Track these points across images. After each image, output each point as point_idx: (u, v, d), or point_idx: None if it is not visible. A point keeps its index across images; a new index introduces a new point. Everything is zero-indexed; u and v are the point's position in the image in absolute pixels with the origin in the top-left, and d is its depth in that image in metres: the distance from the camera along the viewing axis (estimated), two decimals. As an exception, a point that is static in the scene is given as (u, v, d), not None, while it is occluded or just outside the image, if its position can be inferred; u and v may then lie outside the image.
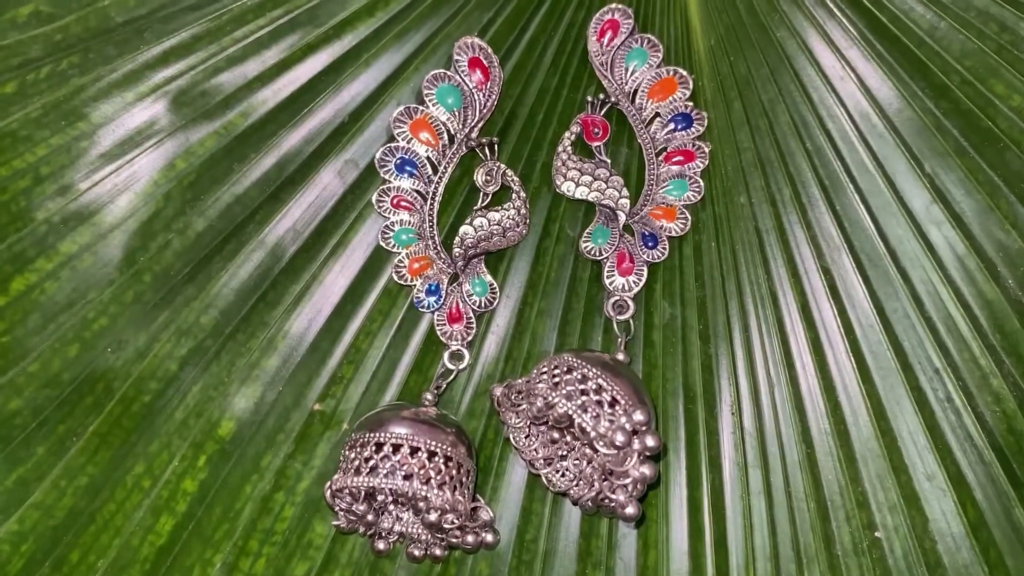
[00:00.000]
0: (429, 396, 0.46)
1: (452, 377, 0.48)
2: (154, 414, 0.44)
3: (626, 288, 0.49)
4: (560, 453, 0.44)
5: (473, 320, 0.48)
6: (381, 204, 0.47)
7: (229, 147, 0.44)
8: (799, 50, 0.48)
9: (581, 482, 0.44)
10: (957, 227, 0.46)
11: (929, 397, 0.46)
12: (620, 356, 0.46)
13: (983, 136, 0.45)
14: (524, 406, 0.41)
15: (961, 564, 0.44)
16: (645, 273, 0.49)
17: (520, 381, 0.41)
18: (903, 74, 0.46)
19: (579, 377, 0.40)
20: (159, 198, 0.44)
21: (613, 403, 0.40)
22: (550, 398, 0.39)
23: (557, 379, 0.40)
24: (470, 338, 0.48)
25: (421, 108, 0.47)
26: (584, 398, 0.39)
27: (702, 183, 0.49)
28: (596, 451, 0.39)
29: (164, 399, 0.44)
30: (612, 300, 0.48)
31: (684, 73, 0.49)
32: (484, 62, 0.47)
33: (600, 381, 0.40)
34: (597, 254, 0.49)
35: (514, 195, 0.48)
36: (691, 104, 0.49)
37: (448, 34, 0.47)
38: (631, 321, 0.49)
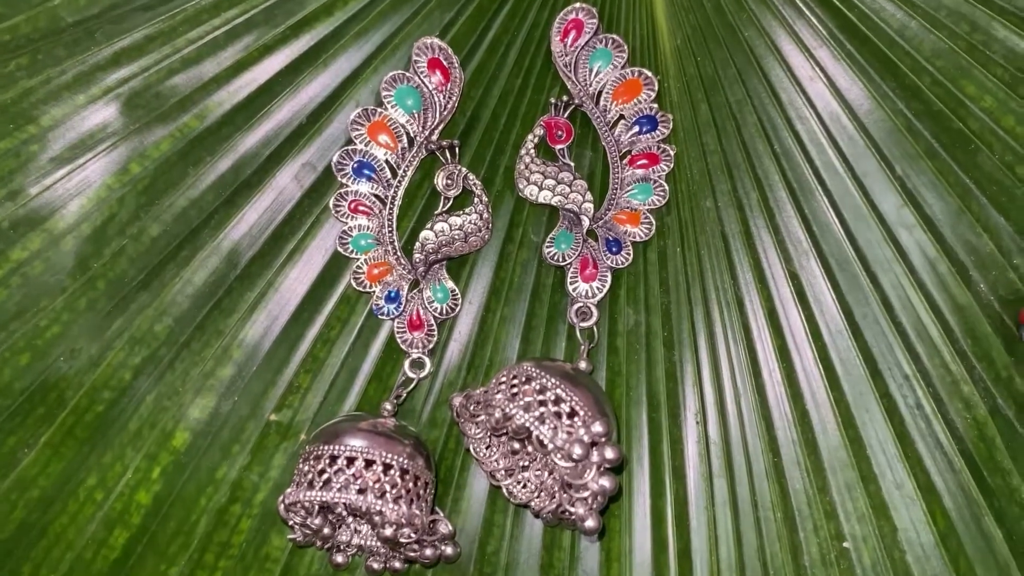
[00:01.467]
0: (388, 406, 0.47)
1: (413, 386, 0.49)
2: (107, 424, 0.45)
3: (590, 294, 0.50)
4: (521, 464, 0.46)
5: (434, 327, 0.49)
6: (339, 209, 0.48)
7: (184, 150, 0.46)
8: (768, 50, 0.50)
9: (542, 494, 0.45)
10: (928, 230, 0.47)
11: (899, 404, 0.47)
12: (582, 364, 0.47)
13: (954, 138, 0.46)
14: (482, 417, 0.42)
15: (931, 573, 0.46)
16: (609, 279, 0.50)
17: (478, 392, 0.42)
18: (873, 74, 0.48)
19: (538, 388, 0.41)
20: (112, 203, 0.45)
21: (572, 414, 0.41)
22: (508, 409, 0.40)
23: (516, 390, 0.41)
24: (431, 346, 0.49)
25: (379, 110, 0.48)
26: (542, 409, 0.40)
27: (667, 187, 0.51)
28: (555, 463, 0.40)
29: (118, 409, 0.45)
30: (575, 307, 0.49)
31: (649, 74, 0.50)
32: (444, 63, 0.48)
33: (559, 391, 0.41)
34: (560, 260, 0.50)
35: (476, 199, 0.49)
36: (656, 106, 0.50)
37: (408, 34, 0.48)
38: (595, 328, 0.50)
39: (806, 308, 0.49)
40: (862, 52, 0.48)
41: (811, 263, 0.49)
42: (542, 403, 0.40)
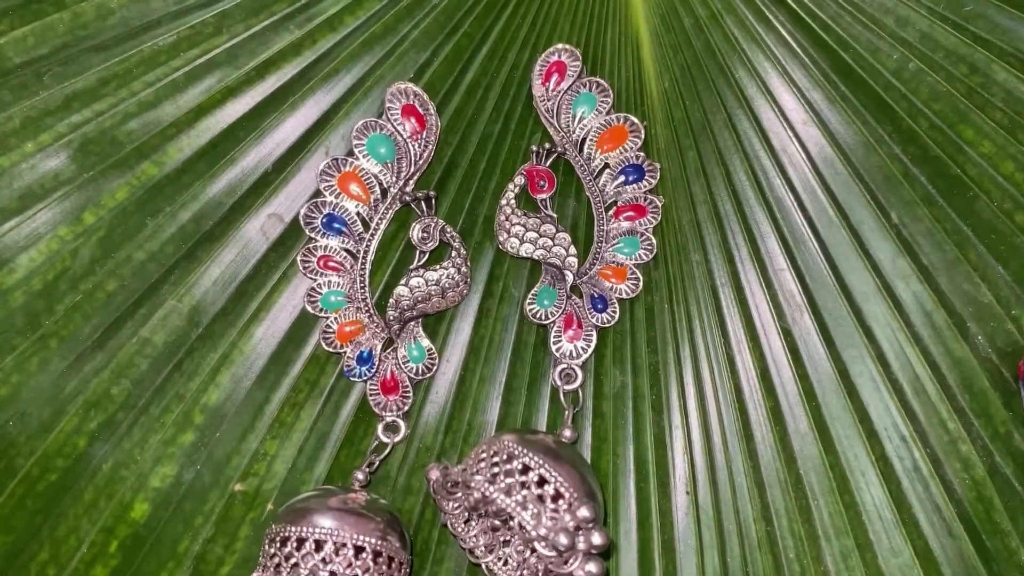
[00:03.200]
0: (360, 476, 0.48)
1: (387, 452, 0.49)
2: (61, 494, 0.45)
3: (574, 355, 0.50)
4: (502, 539, 0.46)
5: (410, 388, 0.49)
6: (307, 264, 0.48)
7: (142, 199, 0.46)
8: (759, 92, 0.51)
9: (525, 572, 0.45)
10: (924, 281, 0.48)
11: (896, 467, 0.48)
12: (567, 433, 0.48)
13: (952, 184, 0.48)
14: (460, 494, 0.42)
15: (930, 644, 0.46)
16: (594, 338, 0.50)
17: (456, 469, 0.43)
18: (869, 118, 0.49)
19: (520, 467, 0.42)
20: (65, 255, 0.46)
21: (557, 497, 0.41)
22: (487, 492, 0.41)
23: (496, 469, 0.42)
24: (406, 408, 0.49)
25: (350, 160, 0.48)
26: (525, 492, 0.41)
27: (654, 240, 0.51)
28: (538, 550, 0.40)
29: (72, 478, 0.46)
30: (559, 368, 0.50)
31: (635, 120, 0.51)
32: (419, 109, 0.49)
33: (543, 471, 0.42)
34: (543, 317, 0.50)
35: (453, 252, 0.49)
36: (643, 154, 0.51)
37: (381, 76, 0.49)
38: (579, 391, 0.50)
39: (799, 366, 0.49)
40: (857, 95, 0.49)
41: (804, 318, 0.50)
42: (524, 485, 0.41)
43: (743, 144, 0.51)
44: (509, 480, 0.41)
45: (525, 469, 0.42)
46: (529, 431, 0.47)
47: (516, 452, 0.42)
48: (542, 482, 0.41)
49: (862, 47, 0.49)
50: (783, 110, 0.50)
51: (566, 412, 0.50)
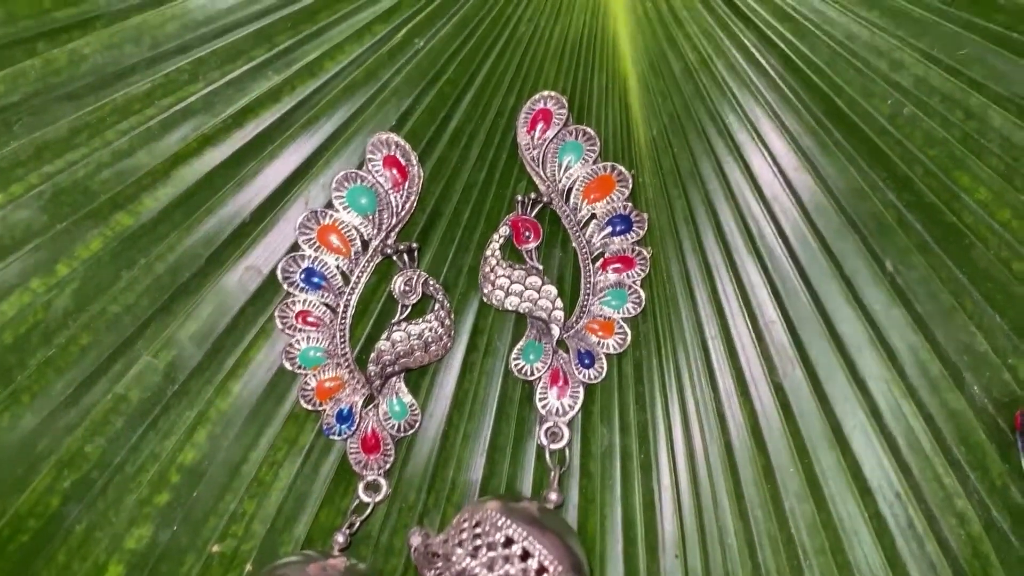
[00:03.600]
0: (340, 538, 0.48)
1: (368, 512, 0.49)
2: (33, 556, 0.45)
3: (560, 412, 0.50)
4: None
5: (391, 446, 0.49)
6: (285, 320, 0.48)
7: (116, 250, 0.46)
8: (750, 138, 0.51)
9: None
10: (919, 331, 0.48)
11: (890, 524, 0.48)
12: (553, 496, 0.48)
13: (947, 231, 0.48)
14: (440, 564, 0.42)
15: None
16: (581, 395, 0.50)
17: (437, 540, 0.43)
18: (863, 164, 0.49)
19: (503, 540, 0.42)
20: (38, 308, 0.45)
21: (541, 571, 0.42)
22: (469, 566, 0.41)
23: (479, 541, 0.42)
24: (388, 466, 0.49)
25: (330, 212, 0.48)
26: (508, 567, 0.41)
27: (643, 293, 0.51)
28: None
29: (44, 539, 0.45)
30: (545, 426, 0.50)
31: (623, 170, 0.51)
32: (401, 160, 0.49)
33: (527, 544, 0.42)
34: (529, 373, 0.50)
35: (437, 305, 0.49)
36: (630, 205, 0.51)
37: (363, 123, 0.50)
38: (566, 450, 0.50)
39: (791, 423, 0.49)
40: (851, 140, 0.49)
41: (796, 372, 0.50)
42: (507, 559, 0.41)
43: (733, 192, 0.51)
44: (492, 554, 0.41)
45: (508, 542, 0.42)
46: (512, 498, 0.47)
47: (499, 523, 0.43)
48: (526, 556, 0.42)
49: (855, 91, 0.49)
50: (774, 156, 0.51)
51: (552, 472, 0.49)
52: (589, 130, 0.51)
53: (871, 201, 0.49)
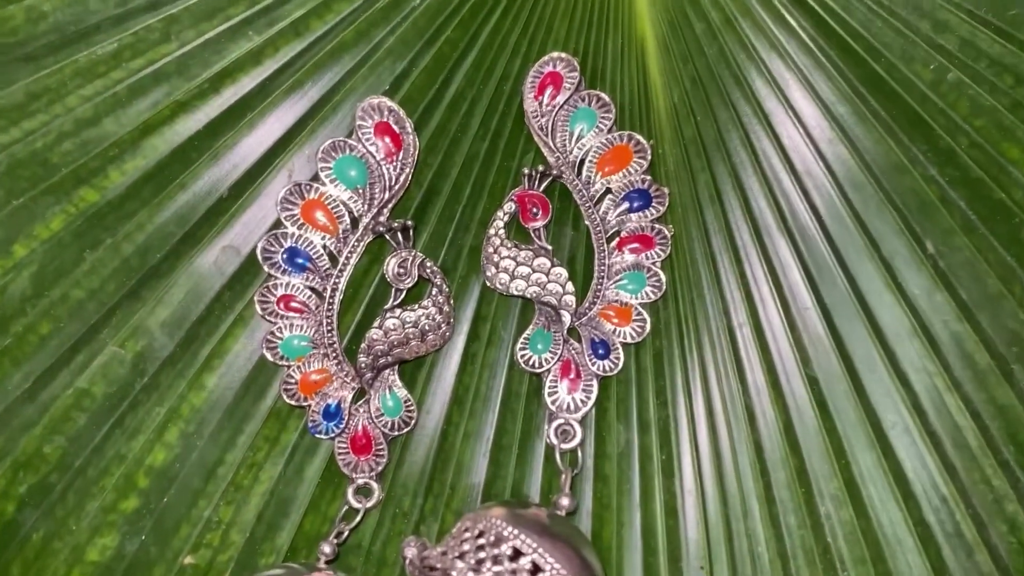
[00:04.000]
0: (327, 548, 0.47)
1: (359, 519, 0.48)
2: None
3: (572, 408, 0.50)
4: None
5: (384, 446, 0.49)
6: (265, 305, 0.47)
7: (80, 230, 0.45)
8: (780, 106, 0.50)
9: None
10: (965, 319, 0.47)
11: (935, 531, 0.47)
12: (564, 502, 0.47)
13: (994, 209, 0.46)
14: None
15: None
16: (595, 389, 0.50)
17: (435, 552, 0.42)
18: (902, 136, 0.48)
19: (509, 552, 0.41)
20: None
21: None
22: None
23: (482, 554, 0.41)
24: (380, 468, 0.49)
25: (316, 185, 0.47)
26: None
27: (663, 276, 0.50)
28: None
29: None
30: (555, 424, 0.49)
31: (640, 139, 0.50)
32: (395, 128, 0.48)
33: (536, 556, 0.41)
34: (537, 365, 0.50)
35: (434, 290, 0.48)
36: (649, 178, 0.50)
37: (352, 88, 0.48)
38: (579, 450, 0.50)
39: (827, 419, 0.48)
40: (889, 109, 0.48)
41: (832, 363, 0.49)
42: (514, 573, 0.40)
43: (762, 165, 0.50)
44: (497, 568, 0.40)
45: (516, 554, 0.41)
46: (520, 504, 0.46)
47: (505, 533, 0.42)
48: (536, 570, 0.40)
49: (895, 55, 0.48)
50: (806, 126, 0.49)
51: (563, 475, 0.49)
52: (603, 96, 0.50)
53: (911, 176, 0.48)
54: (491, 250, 0.50)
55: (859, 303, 0.49)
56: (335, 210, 0.48)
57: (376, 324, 0.48)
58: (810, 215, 0.49)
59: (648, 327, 0.50)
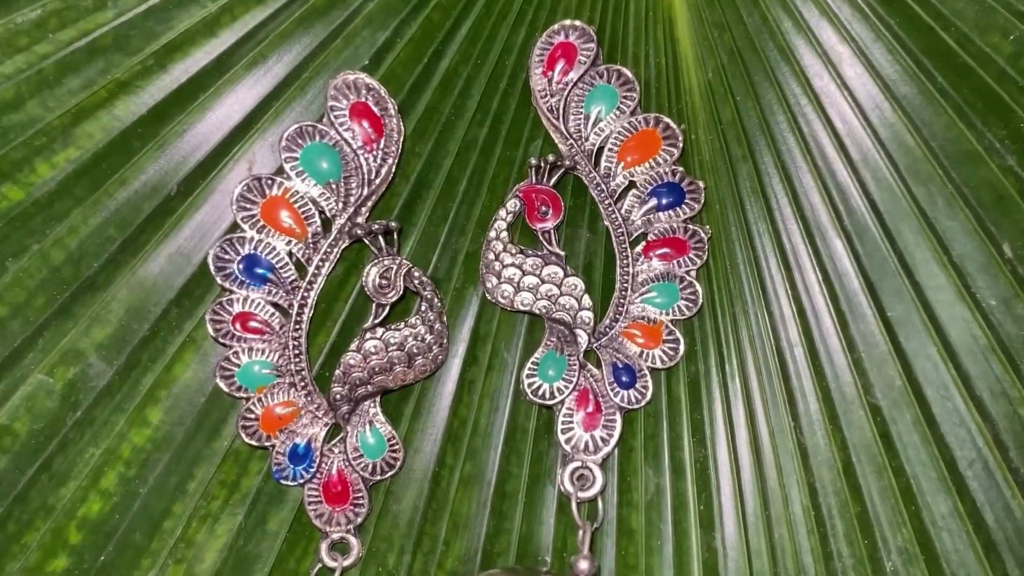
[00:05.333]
0: None
1: None
2: None
3: (591, 448, 0.49)
4: None
5: (364, 494, 0.48)
6: (219, 326, 0.46)
7: (2, 233, 0.45)
8: (833, 83, 0.49)
9: None
10: None
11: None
12: (583, 566, 0.46)
13: None
14: None
15: None
16: (618, 425, 0.49)
17: None
18: (975, 120, 0.48)
19: None
20: None
21: None
22: None
23: None
24: (360, 520, 0.48)
25: (279, 180, 0.47)
26: None
27: (699, 287, 0.50)
28: None
29: None
30: (571, 468, 0.49)
31: (670, 123, 0.50)
32: (375, 110, 0.47)
33: None
34: (547, 395, 0.49)
35: (424, 305, 0.48)
36: (681, 169, 0.50)
37: (324, 64, 0.48)
38: (599, 500, 0.49)
39: (892, 457, 0.48)
40: (960, 88, 0.48)
41: (897, 389, 0.49)
42: None
43: (813, 153, 0.50)
44: None
45: None
46: (528, 571, 0.46)
47: None
48: None
49: (967, 25, 0.47)
50: (863, 109, 0.49)
51: (580, 530, 0.48)
52: (625, 71, 0.50)
53: (986, 167, 0.47)
54: (492, 256, 0.49)
55: (927, 316, 0.48)
56: (303, 210, 0.47)
57: (353, 347, 0.47)
58: (869, 212, 0.49)
59: (682, 349, 0.50)
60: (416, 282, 0.48)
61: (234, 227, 0.47)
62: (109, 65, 0.46)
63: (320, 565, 0.48)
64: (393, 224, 0.48)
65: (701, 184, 0.50)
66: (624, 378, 0.50)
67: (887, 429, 0.49)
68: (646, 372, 0.50)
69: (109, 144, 0.46)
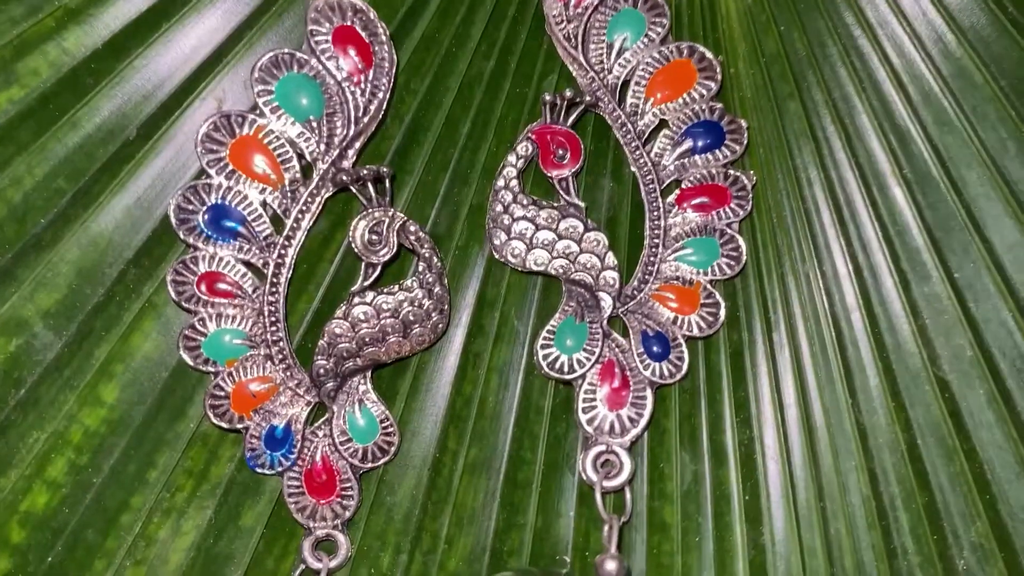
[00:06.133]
0: None
1: None
2: None
3: (617, 430, 0.48)
4: None
5: (353, 483, 0.47)
6: (182, 288, 0.45)
7: None
8: (890, 11, 0.49)
9: None
10: None
11: None
12: (609, 567, 0.44)
13: None
14: None
15: None
16: (649, 404, 0.48)
17: None
18: None
19: None
20: None
21: None
22: None
23: None
24: (349, 514, 0.47)
25: (251, 117, 0.46)
26: None
27: (742, 243, 0.49)
28: None
29: None
30: (593, 452, 0.48)
31: (706, 53, 0.49)
32: (362, 35, 0.46)
33: None
34: (566, 369, 0.48)
35: (421, 264, 0.47)
36: (719, 106, 0.49)
37: None
38: (626, 489, 0.48)
39: (963, 439, 0.47)
40: None
41: (967, 361, 0.47)
42: None
43: (868, 92, 0.49)
44: None
45: None
46: (544, 573, 0.47)
47: None
48: None
49: None
50: (923, 41, 0.49)
51: (606, 525, 0.47)
52: None
53: None
54: (500, 208, 0.49)
55: (1000, 277, 0.48)
56: (279, 152, 0.46)
57: (340, 313, 0.47)
58: (932, 158, 0.48)
59: (722, 315, 0.49)
60: (412, 238, 0.47)
61: (201, 174, 0.46)
62: (54, -13, 0.44)
63: (303, 566, 0.47)
64: (385, 170, 0.47)
65: (743, 123, 0.50)
66: (655, 348, 0.49)
67: (957, 407, 0.48)
68: (681, 341, 0.49)
69: (58, 82, 0.44)
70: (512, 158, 0.48)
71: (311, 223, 0.47)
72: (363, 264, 0.47)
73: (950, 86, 0.48)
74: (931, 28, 0.49)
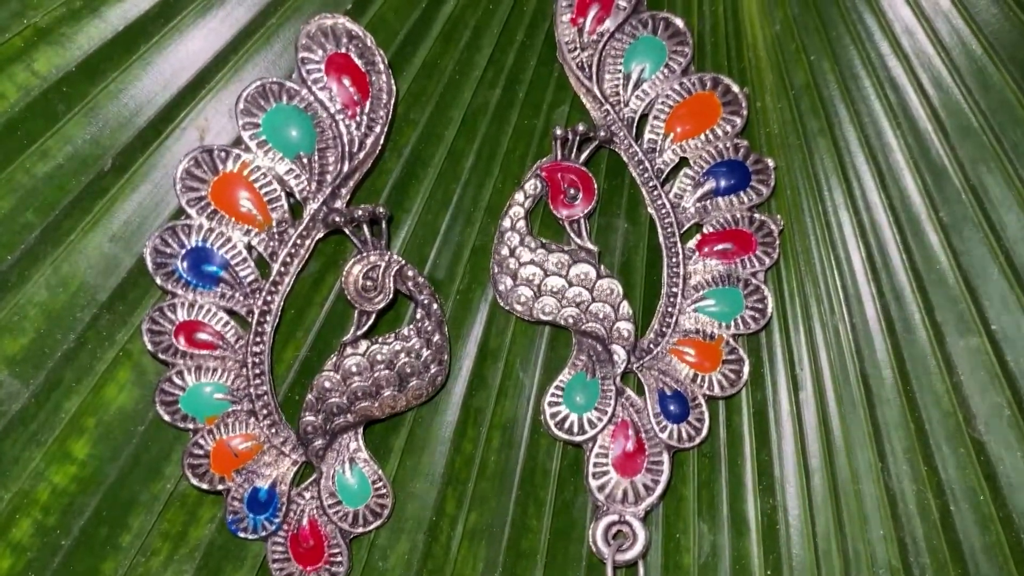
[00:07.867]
0: None
1: None
2: None
3: (631, 498, 0.48)
4: None
5: (342, 549, 0.48)
6: (158, 338, 0.45)
7: None
8: (928, 41, 0.50)
9: None
10: None
11: None
12: None
13: None
14: None
15: None
16: (666, 469, 0.49)
17: None
18: None
19: None
20: None
21: None
22: None
23: None
24: None
25: (237, 152, 0.46)
26: None
27: (768, 294, 0.50)
28: None
29: None
30: (605, 522, 0.48)
31: (731, 84, 0.50)
32: (359, 64, 0.47)
33: None
34: (575, 429, 0.49)
35: (419, 312, 0.47)
36: (744, 144, 0.50)
37: (296, 7, 0.48)
38: (640, 564, 0.48)
39: (1001, 506, 0.48)
40: None
41: (1003, 421, 0.48)
42: None
43: (903, 128, 0.50)
44: None
45: None
46: None
47: None
48: None
49: None
50: (962, 73, 0.49)
51: None
52: (675, 20, 0.50)
53: None
54: (506, 251, 0.49)
55: None
56: (266, 191, 0.46)
57: (330, 365, 0.47)
58: (970, 199, 0.49)
59: (746, 372, 0.50)
60: (410, 283, 0.47)
61: (180, 213, 0.46)
62: (25, 7, 0.44)
63: (289, 640, 0.46)
64: (381, 211, 0.47)
65: (771, 163, 0.50)
66: (673, 408, 0.49)
67: (993, 470, 0.49)
68: (701, 401, 0.50)
69: (27, 107, 0.45)
70: (519, 196, 0.49)
71: (300, 267, 0.47)
72: (356, 311, 0.47)
73: (990, 121, 0.49)
74: (970, 59, 0.49)
